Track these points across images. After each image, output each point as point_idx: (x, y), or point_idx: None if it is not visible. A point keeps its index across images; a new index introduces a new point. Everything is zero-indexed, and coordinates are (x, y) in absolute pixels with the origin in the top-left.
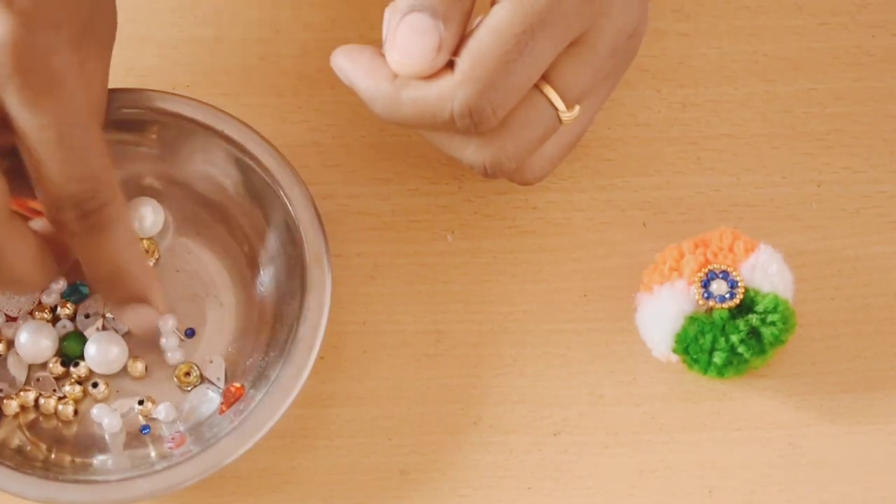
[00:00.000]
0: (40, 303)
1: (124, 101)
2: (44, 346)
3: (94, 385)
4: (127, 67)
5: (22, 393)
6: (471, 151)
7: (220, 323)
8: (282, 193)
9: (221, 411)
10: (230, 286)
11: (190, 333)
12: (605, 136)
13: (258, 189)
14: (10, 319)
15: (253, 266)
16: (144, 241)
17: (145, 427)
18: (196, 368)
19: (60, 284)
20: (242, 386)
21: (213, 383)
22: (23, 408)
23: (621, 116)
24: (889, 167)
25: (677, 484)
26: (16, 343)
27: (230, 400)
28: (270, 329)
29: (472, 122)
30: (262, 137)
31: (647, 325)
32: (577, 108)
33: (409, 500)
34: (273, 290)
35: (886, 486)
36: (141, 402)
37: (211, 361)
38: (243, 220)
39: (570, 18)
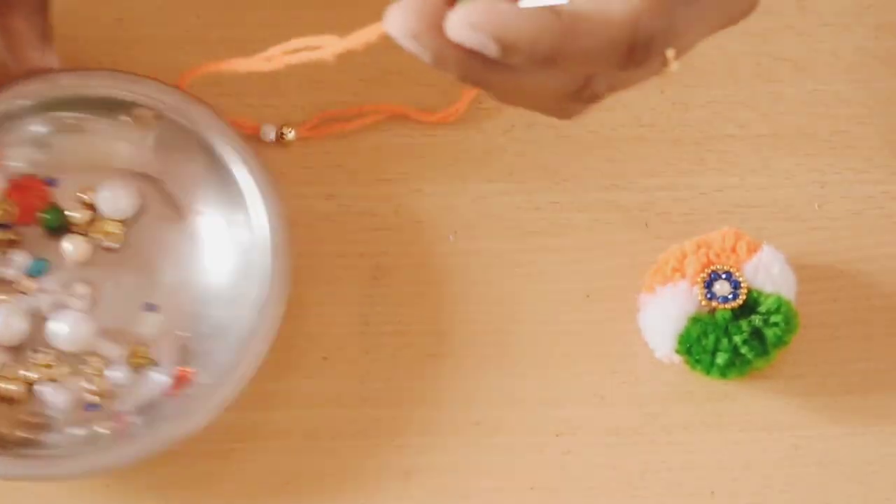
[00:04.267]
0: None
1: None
2: (15, 328)
3: (51, 365)
4: (129, 67)
5: None
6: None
7: (177, 305)
8: (243, 177)
9: (170, 393)
10: (189, 270)
11: (150, 308)
12: (608, 137)
13: (221, 173)
14: None
15: (212, 253)
16: (109, 224)
17: (93, 405)
18: (148, 350)
19: (20, 259)
20: (192, 370)
21: (163, 365)
22: None
23: (625, 117)
24: (892, 168)
25: (680, 485)
26: None
27: (179, 383)
28: (226, 315)
29: (648, 53)
30: (228, 127)
31: (650, 326)
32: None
33: (412, 502)
34: (231, 278)
35: (889, 487)
36: (94, 383)
37: (163, 344)
38: (204, 205)
39: None
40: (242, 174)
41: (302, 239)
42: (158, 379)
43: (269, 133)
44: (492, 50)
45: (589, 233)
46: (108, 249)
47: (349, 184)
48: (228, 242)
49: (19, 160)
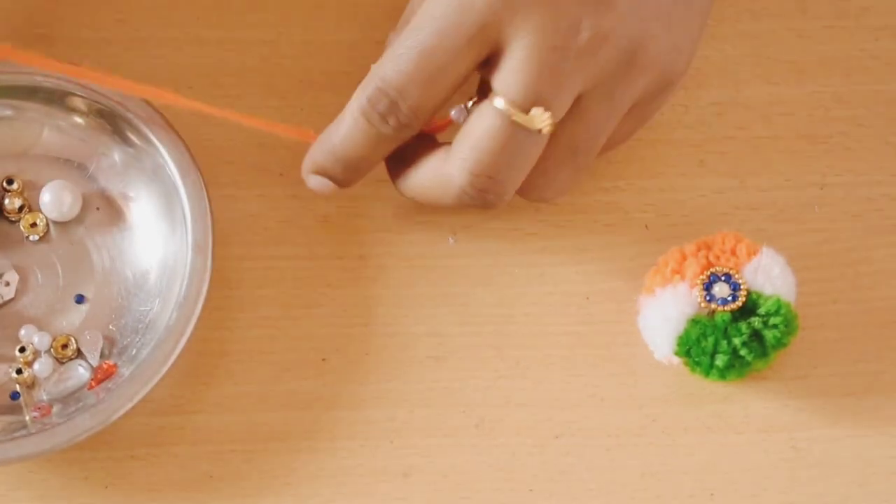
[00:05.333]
0: None
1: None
2: None
3: None
4: (128, 68)
5: None
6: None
7: (106, 298)
8: (169, 173)
9: (90, 387)
10: (122, 263)
11: (79, 300)
12: None
13: (150, 166)
14: None
15: (143, 246)
16: (35, 216)
17: (15, 394)
18: (74, 342)
19: None
20: (115, 364)
21: (88, 358)
22: None
23: None
24: (892, 170)
25: (679, 486)
26: None
27: (100, 377)
28: (151, 311)
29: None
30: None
31: (650, 328)
32: (541, 111)
33: (411, 503)
34: (158, 271)
35: (889, 489)
36: (19, 371)
37: (89, 337)
38: (134, 193)
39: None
40: (171, 165)
41: (301, 240)
42: (82, 371)
43: None
44: (341, 180)
45: (589, 234)
46: (34, 242)
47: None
48: (159, 233)
49: None
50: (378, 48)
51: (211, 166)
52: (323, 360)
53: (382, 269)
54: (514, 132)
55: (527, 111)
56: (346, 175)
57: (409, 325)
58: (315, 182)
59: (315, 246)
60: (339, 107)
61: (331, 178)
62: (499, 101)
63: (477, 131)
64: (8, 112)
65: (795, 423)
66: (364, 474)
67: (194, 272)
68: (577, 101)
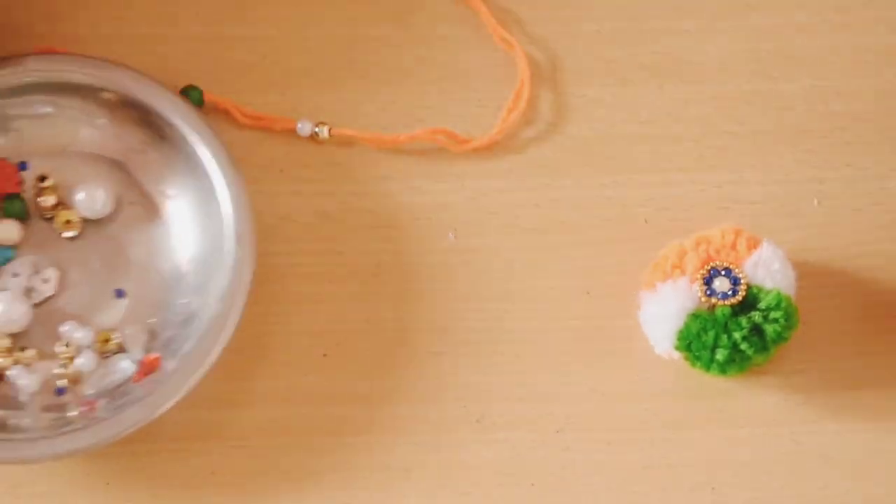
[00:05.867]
0: None
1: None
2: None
3: (23, 349)
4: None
5: None
6: None
7: (145, 293)
8: (206, 168)
9: (136, 380)
10: (157, 256)
11: (119, 294)
12: (607, 133)
13: (185, 162)
14: None
15: (179, 237)
16: (69, 213)
17: (61, 389)
18: (117, 336)
19: None
20: (159, 357)
21: (131, 352)
22: None
23: (624, 113)
24: (891, 164)
25: (680, 480)
26: None
27: (146, 370)
28: (191, 303)
29: None
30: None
31: (650, 323)
32: None
33: (412, 498)
34: (197, 265)
35: (889, 482)
36: (63, 367)
37: (131, 331)
38: (171, 189)
39: None
40: (208, 160)
41: (302, 236)
42: (126, 365)
43: (305, 129)
44: None
45: (588, 229)
46: (70, 239)
47: (348, 181)
48: (195, 227)
49: None
50: (374, 44)
51: None
52: (324, 355)
53: (383, 265)
54: None
55: None
56: None
57: (410, 321)
58: None
59: (316, 241)
60: (338, 103)
61: None
62: None
63: None
64: (48, 109)
65: (796, 416)
66: (366, 469)
67: (238, 263)
68: None
